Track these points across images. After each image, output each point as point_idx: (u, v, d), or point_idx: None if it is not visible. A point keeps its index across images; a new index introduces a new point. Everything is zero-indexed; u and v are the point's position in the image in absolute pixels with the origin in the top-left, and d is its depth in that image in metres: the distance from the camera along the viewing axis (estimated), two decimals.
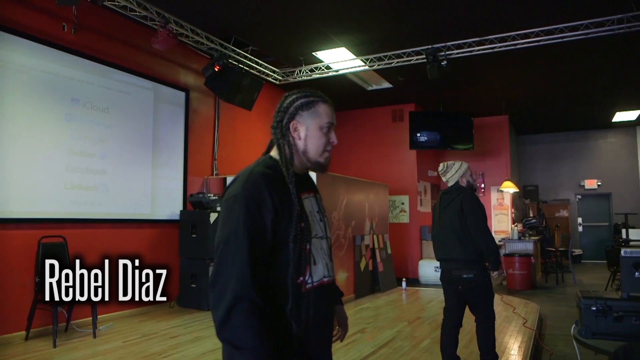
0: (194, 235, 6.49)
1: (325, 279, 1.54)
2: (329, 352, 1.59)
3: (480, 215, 3.69)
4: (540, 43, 6.51)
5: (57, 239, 5.23)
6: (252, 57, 7.55)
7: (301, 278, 1.45)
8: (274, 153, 1.59)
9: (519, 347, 4.69)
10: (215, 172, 7.64)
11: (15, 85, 5.02)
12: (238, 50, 7.22)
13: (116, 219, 6.00)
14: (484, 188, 11.84)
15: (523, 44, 6.61)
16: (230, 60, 7.03)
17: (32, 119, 5.15)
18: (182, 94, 7.13)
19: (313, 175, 1.80)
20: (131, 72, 6.31)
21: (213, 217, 6.44)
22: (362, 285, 7.61)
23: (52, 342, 4.65)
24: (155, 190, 6.58)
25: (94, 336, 4.99)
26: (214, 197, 6.72)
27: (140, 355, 4.37)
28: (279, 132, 1.58)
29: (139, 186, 6.33)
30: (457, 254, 3.66)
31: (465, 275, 3.65)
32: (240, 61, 7.41)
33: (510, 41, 6.67)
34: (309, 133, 1.57)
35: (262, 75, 8.02)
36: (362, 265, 7.63)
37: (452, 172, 3.82)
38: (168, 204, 6.76)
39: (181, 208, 6.91)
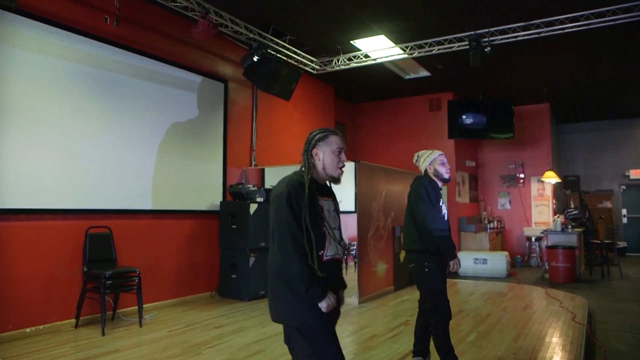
0: (234, 226, 6.50)
1: (337, 256, 2.26)
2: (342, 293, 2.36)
3: (418, 204, 3.53)
4: (590, 27, 6.23)
5: (103, 229, 5.32)
6: (290, 47, 7.49)
7: (322, 251, 2.17)
8: (304, 168, 2.28)
9: (571, 342, 4.52)
10: (253, 163, 7.64)
11: (55, 78, 5.08)
12: (276, 39, 7.16)
13: (158, 209, 6.05)
14: (523, 178, 11.54)
15: (572, 27, 6.33)
16: (269, 50, 6.99)
17: (72, 113, 5.19)
18: (221, 85, 7.13)
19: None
20: (171, 63, 6.32)
21: (253, 207, 6.43)
22: (401, 277, 7.52)
23: (100, 330, 4.74)
24: (196, 181, 6.61)
25: (140, 325, 5.06)
26: (253, 188, 6.71)
27: (186, 345, 4.40)
28: (305, 157, 2.28)
29: (180, 178, 6.36)
30: (404, 243, 3.73)
31: (410, 265, 3.66)
32: (279, 51, 7.36)
33: (557, 25, 6.40)
34: (325, 156, 2.27)
35: (300, 65, 7.95)
36: (402, 256, 7.53)
37: (421, 160, 3.74)
38: (208, 195, 6.79)
39: (221, 199, 6.94)
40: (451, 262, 3.51)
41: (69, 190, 5.11)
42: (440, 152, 3.73)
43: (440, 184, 3.70)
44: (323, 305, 2.11)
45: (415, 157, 3.82)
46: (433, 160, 3.67)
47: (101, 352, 4.17)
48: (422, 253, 3.52)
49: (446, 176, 3.66)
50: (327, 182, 2.36)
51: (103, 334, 4.69)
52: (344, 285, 2.40)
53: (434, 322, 3.53)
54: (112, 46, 5.60)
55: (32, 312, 4.71)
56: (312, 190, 2.18)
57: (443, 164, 3.67)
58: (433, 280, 3.51)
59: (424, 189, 3.54)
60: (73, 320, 4.98)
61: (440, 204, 3.61)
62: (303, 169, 2.27)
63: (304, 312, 2.13)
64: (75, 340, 4.55)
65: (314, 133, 2.32)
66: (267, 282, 2.26)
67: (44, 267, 4.83)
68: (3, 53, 4.62)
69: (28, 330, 4.65)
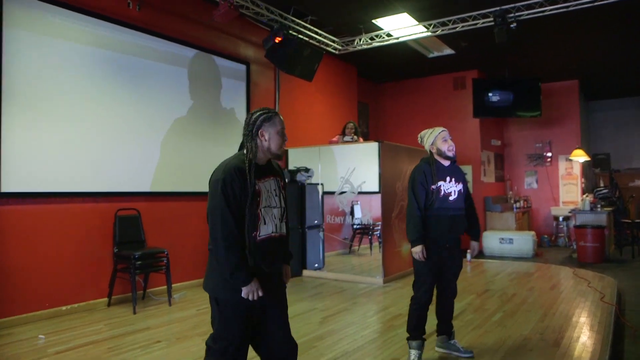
0: None
1: (273, 234, 2.31)
2: (279, 275, 2.46)
3: (410, 186, 3.52)
4: None
5: (131, 211, 5.45)
6: (312, 27, 7.44)
7: (255, 232, 2.23)
8: (244, 150, 2.31)
9: (599, 322, 4.47)
10: None
11: (81, 65, 5.16)
12: (297, 20, 7.12)
13: (183, 191, 6.15)
14: (550, 157, 11.32)
15: (602, 0, 6.12)
16: (290, 31, 6.95)
17: (103, 99, 5.30)
18: (243, 67, 7.14)
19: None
20: (193, 46, 6.35)
21: None
22: None
23: (131, 309, 4.90)
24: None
25: (169, 304, 5.20)
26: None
27: None
28: (250, 138, 2.30)
29: (204, 160, 6.43)
30: None
31: None
32: (300, 31, 7.32)
33: None
34: (270, 137, 2.31)
35: (322, 46, 7.90)
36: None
37: (425, 140, 3.61)
38: None
39: None
40: (415, 248, 3.44)
41: (99, 174, 5.23)
42: (442, 129, 3.56)
43: (447, 162, 3.55)
44: (244, 292, 2.22)
45: (419, 139, 3.67)
46: (435, 138, 3.53)
47: (133, 330, 4.31)
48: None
49: (449, 154, 3.50)
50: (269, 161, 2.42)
51: (134, 313, 4.84)
52: (288, 259, 2.54)
53: (411, 297, 3.59)
54: (136, 31, 5.65)
55: (67, 291, 4.89)
56: (250, 175, 2.23)
57: (445, 140, 3.51)
58: (417, 260, 3.51)
59: (415, 171, 3.55)
60: (106, 299, 5.15)
61: (442, 183, 3.47)
62: (245, 151, 2.30)
63: (226, 288, 2.26)
64: (109, 318, 4.71)
65: (258, 114, 2.34)
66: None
67: (77, 248, 4.99)
68: (30, 40, 4.71)
69: (64, 308, 4.83)
